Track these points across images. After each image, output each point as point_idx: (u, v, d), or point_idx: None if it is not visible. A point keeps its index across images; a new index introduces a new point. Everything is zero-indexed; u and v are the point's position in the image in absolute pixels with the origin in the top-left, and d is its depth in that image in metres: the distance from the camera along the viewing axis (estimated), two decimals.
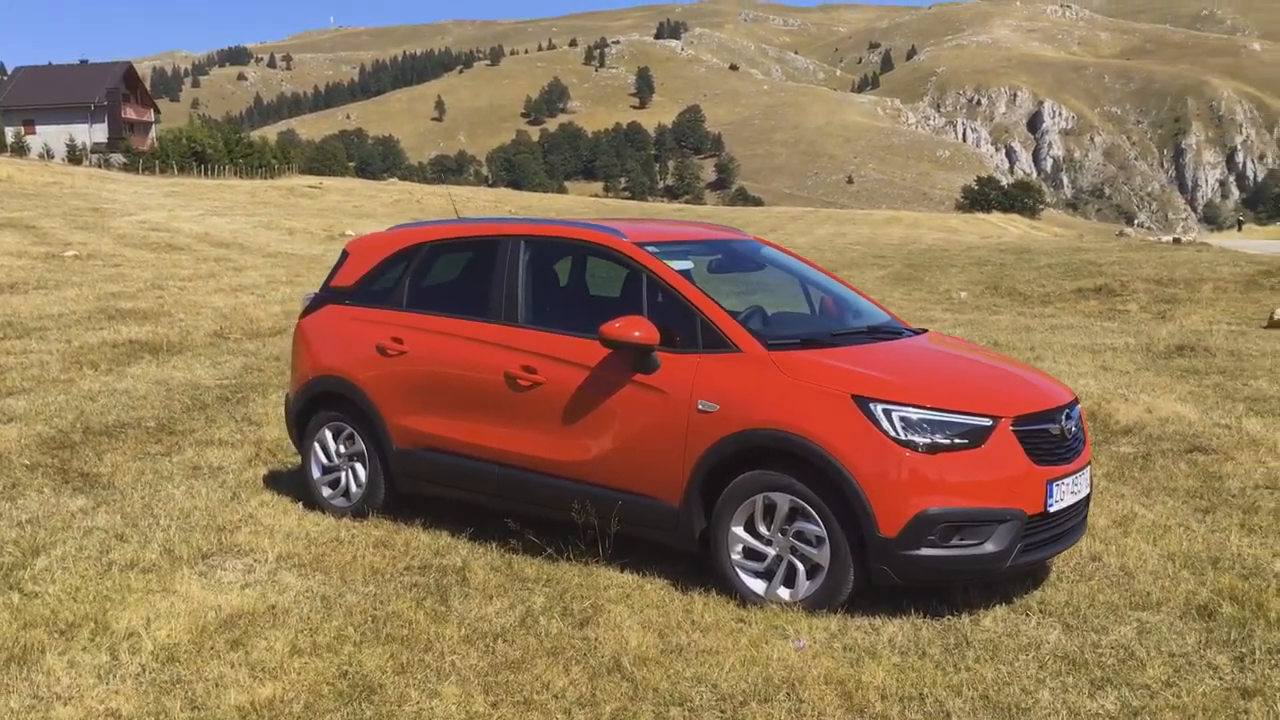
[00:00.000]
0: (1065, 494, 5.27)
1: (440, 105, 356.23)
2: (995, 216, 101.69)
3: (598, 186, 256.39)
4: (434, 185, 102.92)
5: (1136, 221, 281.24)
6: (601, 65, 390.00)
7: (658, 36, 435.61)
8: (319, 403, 7.02)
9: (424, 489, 6.63)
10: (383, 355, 6.65)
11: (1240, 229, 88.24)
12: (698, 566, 5.68)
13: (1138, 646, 4.70)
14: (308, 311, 7.27)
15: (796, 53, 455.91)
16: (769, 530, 5.27)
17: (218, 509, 6.90)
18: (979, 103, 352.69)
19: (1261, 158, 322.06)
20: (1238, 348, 14.80)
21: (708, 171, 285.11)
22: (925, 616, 5.11)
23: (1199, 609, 5.12)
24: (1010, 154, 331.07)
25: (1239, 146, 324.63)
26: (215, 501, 7.08)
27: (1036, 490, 5.12)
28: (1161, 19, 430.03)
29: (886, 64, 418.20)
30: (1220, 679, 4.38)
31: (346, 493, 6.92)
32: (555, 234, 6.50)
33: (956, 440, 4.99)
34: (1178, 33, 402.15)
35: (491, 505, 6.39)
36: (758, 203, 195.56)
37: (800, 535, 5.19)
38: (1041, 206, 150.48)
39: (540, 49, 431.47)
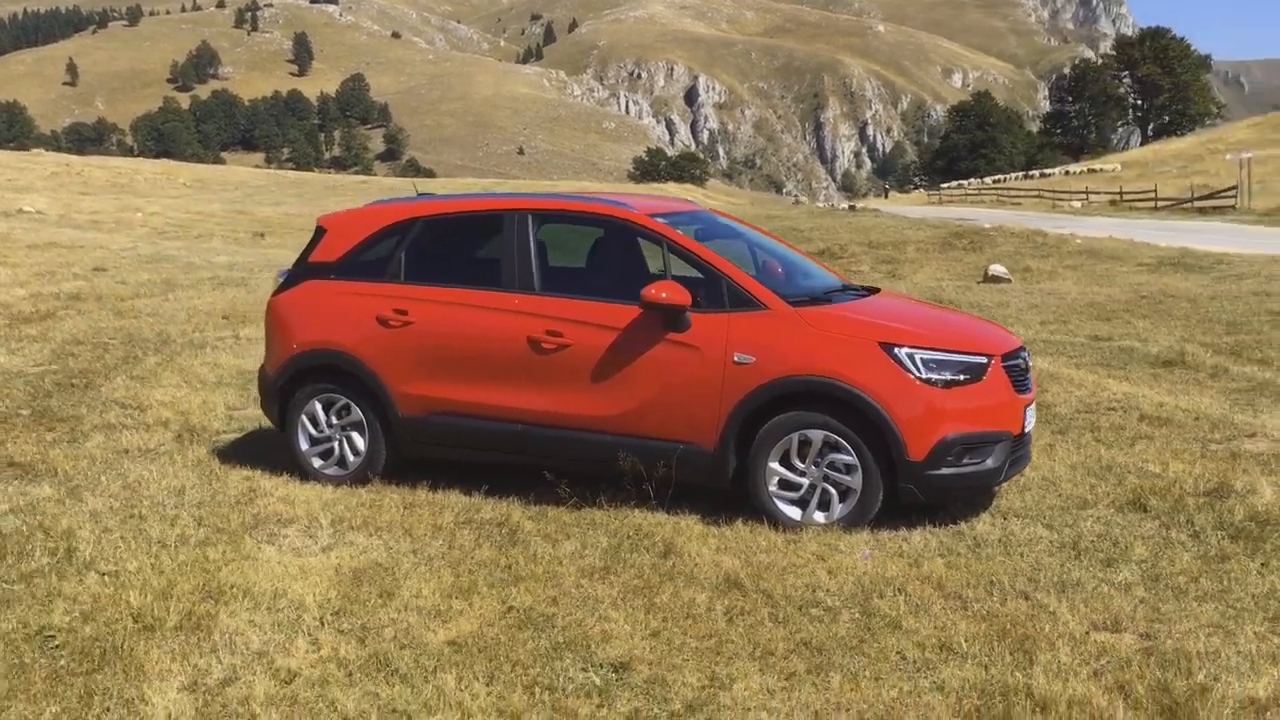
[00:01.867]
0: (1029, 418, 6.47)
1: (73, 69, 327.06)
2: (672, 186, 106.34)
3: (259, 157, 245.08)
4: (93, 157, 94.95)
5: (785, 190, 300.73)
6: (255, 29, 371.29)
7: (314, 1, 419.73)
8: (306, 376, 7.19)
9: (433, 452, 6.99)
10: (384, 326, 6.93)
11: (887, 196, 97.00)
12: (710, 505, 6.43)
13: (1114, 534, 5.93)
14: (283, 288, 7.39)
15: (459, 22, 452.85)
16: (803, 463, 6.12)
17: (209, 484, 6.96)
18: (639, 76, 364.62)
19: (889, 131, 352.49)
20: (975, 300, 17.09)
21: (376, 142, 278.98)
22: (932, 526, 6.15)
23: (1130, 504, 6.43)
24: (670, 126, 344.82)
25: (869, 120, 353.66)
26: (199, 478, 7.11)
27: (1018, 415, 6.28)
28: (798, 0, 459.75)
29: (549, 36, 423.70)
30: (1191, 551, 5.66)
31: (341, 461, 7.15)
32: (564, 208, 7.02)
33: (964, 376, 6.04)
34: (813, 13, 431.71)
35: (507, 461, 6.87)
36: (430, 174, 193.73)
37: (832, 465, 6.07)
38: (706, 176, 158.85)
39: (184, 9, 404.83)
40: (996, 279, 19.69)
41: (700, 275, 6.41)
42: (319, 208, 45.53)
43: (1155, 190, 47.87)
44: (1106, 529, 6.01)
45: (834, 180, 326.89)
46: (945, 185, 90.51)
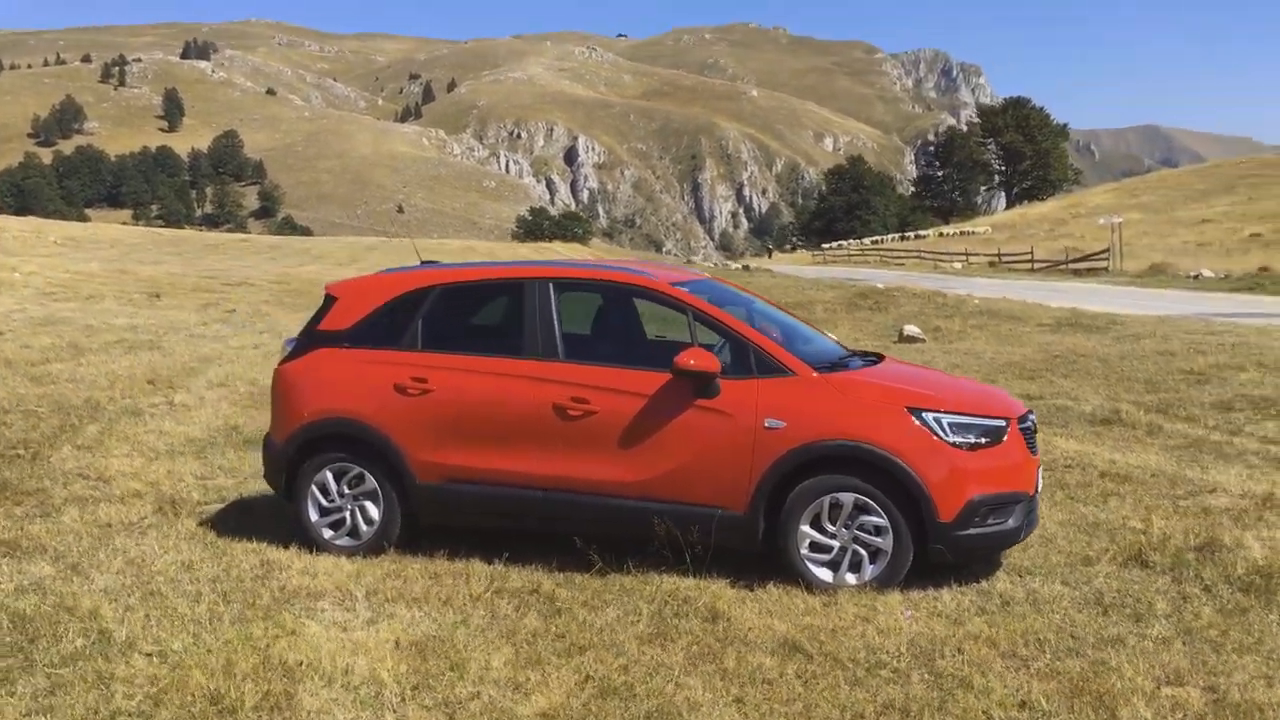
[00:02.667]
0: (1039, 479, 6.76)
1: None
2: (559, 245, 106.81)
3: (125, 214, 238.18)
4: None
5: (665, 249, 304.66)
6: (122, 84, 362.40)
7: (184, 56, 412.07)
8: (317, 445, 7.11)
9: (450, 520, 6.97)
10: (402, 395, 6.91)
11: (770, 255, 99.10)
12: (735, 568, 6.53)
13: (1132, 590, 6.22)
14: (291, 357, 7.31)
15: (336, 80, 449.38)
16: (834, 526, 6.29)
17: (217, 559, 6.81)
18: (519, 136, 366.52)
19: (764, 192, 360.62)
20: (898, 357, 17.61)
21: (250, 199, 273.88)
22: (957, 585, 6.35)
23: (1131, 559, 6.75)
24: (550, 185, 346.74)
25: (745, 182, 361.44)
26: (205, 552, 6.96)
27: (1032, 475, 6.56)
28: (675, 65, 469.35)
29: (428, 95, 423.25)
30: (1209, 605, 5.97)
31: (354, 531, 7.07)
32: (588, 276, 7.13)
33: (986, 439, 6.30)
34: (689, 78, 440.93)
35: (527, 527, 6.89)
36: (306, 232, 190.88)
37: (862, 527, 6.25)
38: (589, 235, 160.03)
39: (47, 63, 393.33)
40: (912, 339, 20.35)
41: (726, 342, 6.57)
42: (201, 267, 44.63)
43: (1031, 252, 50.02)
44: (1124, 585, 6.30)
45: (712, 240, 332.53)
46: (826, 245, 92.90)
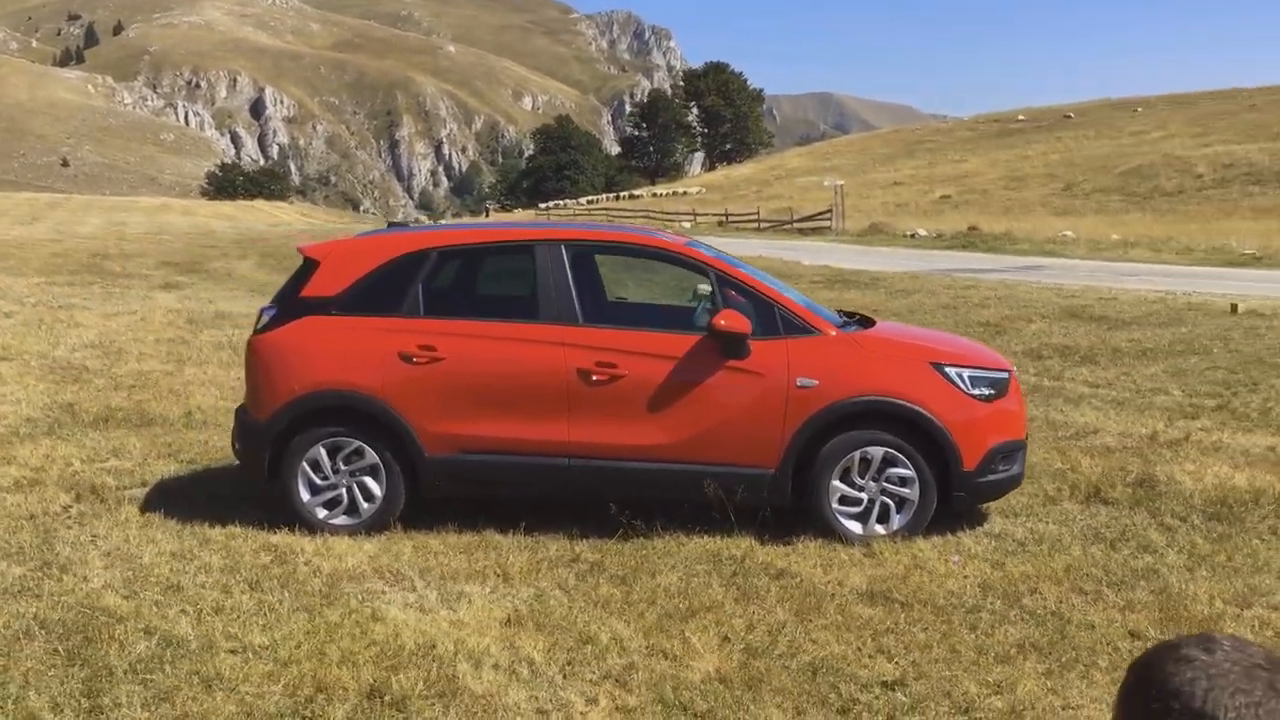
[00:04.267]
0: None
1: None
2: (261, 203, 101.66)
3: None
4: None
5: (362, 208, 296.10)
6: None
7: None
8: (308, 420, 6.64)
9: (461, 491, 6.71)
10: (408, 364, 6.57)
11: (488, 214, 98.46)
12: (752, 527, 6.66)
13: (1121, 524, 6.80)
14: (269, 326, 6.75)
15: None
16: (863, 479, 6.54)
17: (210, 549, 6.29)
18: (199, 85, 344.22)
19: (464, 150, 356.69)
20: None
21: None
22: (970, 531, 6.75)
23: (1091, 497, 7.39)
24: (236, 139, 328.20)
25: (444, 139, 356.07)
26: (192, 541, 6.42)
27: (1025, 423, 7.05)
28: (366, 15, 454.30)
29: (91, 38, 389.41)
30: (1197, 533, 6.63)
31: (351, 509, 6.68)
32: (599, 238, 6.97)
33: (994, 390, 6.72)
34: (383, 30, 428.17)
35: (547, 495, 6.74)
36: None
37: (889, 479, 6.53)
38: (289, 193, 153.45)
39: None
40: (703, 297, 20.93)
41: (751, 303, 6.65)
42: None
43: (758, 212, 52.33)
44: (1109, 521, 6.90)
45: (412, 198, 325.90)
46: (544, 205, 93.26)
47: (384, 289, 6.77)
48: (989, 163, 78.16)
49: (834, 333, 6.66)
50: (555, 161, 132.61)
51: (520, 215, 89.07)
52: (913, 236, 40.85)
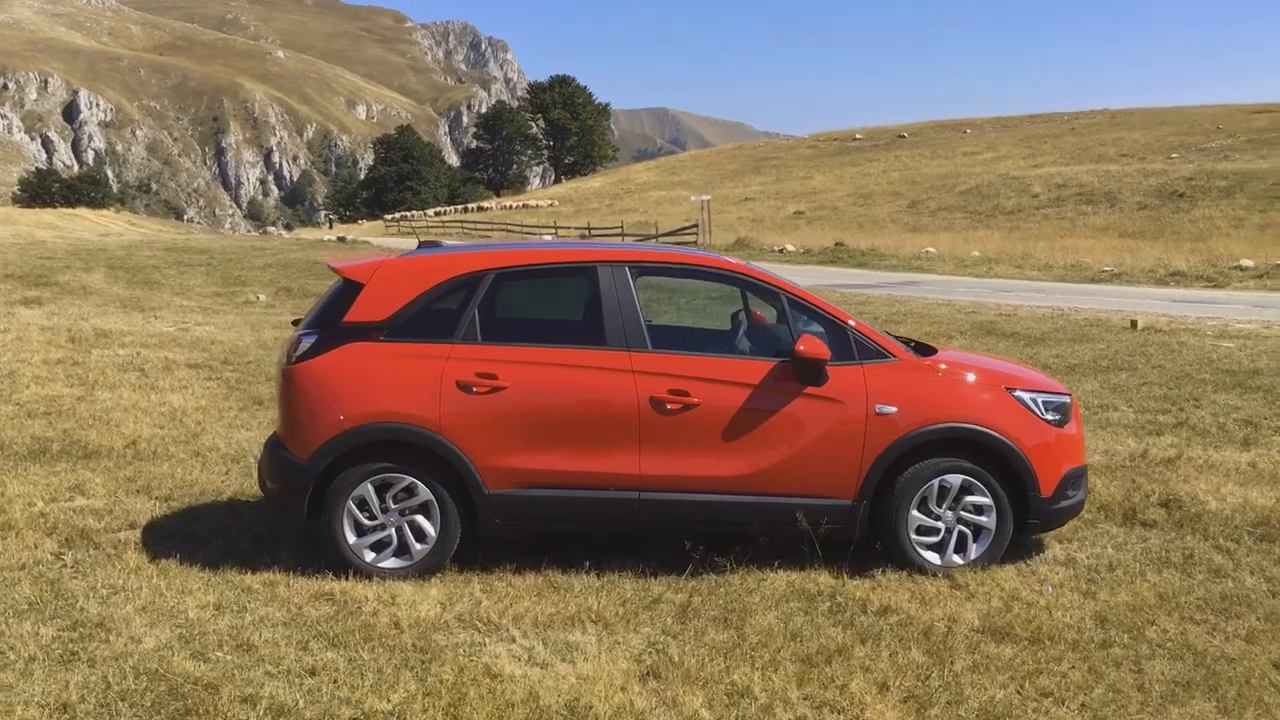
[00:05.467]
0: None
1: None
2: (85, 212, 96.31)
3: None
4: None
5: (187, 217, 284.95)
6: None
7: None
8: (356, 456, 6.09)
9: (521, 530, 6.27)
10: (467, 393, 6.09)
11: (333, 226, 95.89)
12: (826, 558, 6.42)
13: (1183, 547, 6.79)
14: (311, 354, 6.17)
15: None
16: (940, 508, 6.37)
17: (256, 599, 5.70)
18: (7, 87, 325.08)
19: (295, 159, 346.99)
20: None
21: None
22: (1033, 557, 6.66)
23: (1128, 519, 7.41)
24: (48, 144, 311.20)
25: (274, 148, 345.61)
26: (227, 593, 5.80)
27: (1084, 448, 7.00)
28: (190, 17, 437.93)
29: None
30: (1256, 554, 6.69)
31: (403, 551, 6.16)
32: (663, 260, 6.60)
33: (1062, 415, 6.65)
34: (208, 34, 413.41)
35: (614, 531, 6.37)
36: None
37: (965, 507, 6.38)
38: (112, 201, 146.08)
39: None
40: None
41: (824, 327, 6.42)
42: None
43: (621, 226, 52.36)
44: (1166, 544, 6.90)
45: (240, 208, 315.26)
46: (391, 216, 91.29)
47: (438, 313, 6.27)
48: (835, 180, 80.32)
49: (908, 357, 6.49)
50: (397, 172, 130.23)
51: (367, 226, 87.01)
52: (781, 251, 41.46)
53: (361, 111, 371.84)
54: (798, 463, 6.24)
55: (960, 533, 6.41)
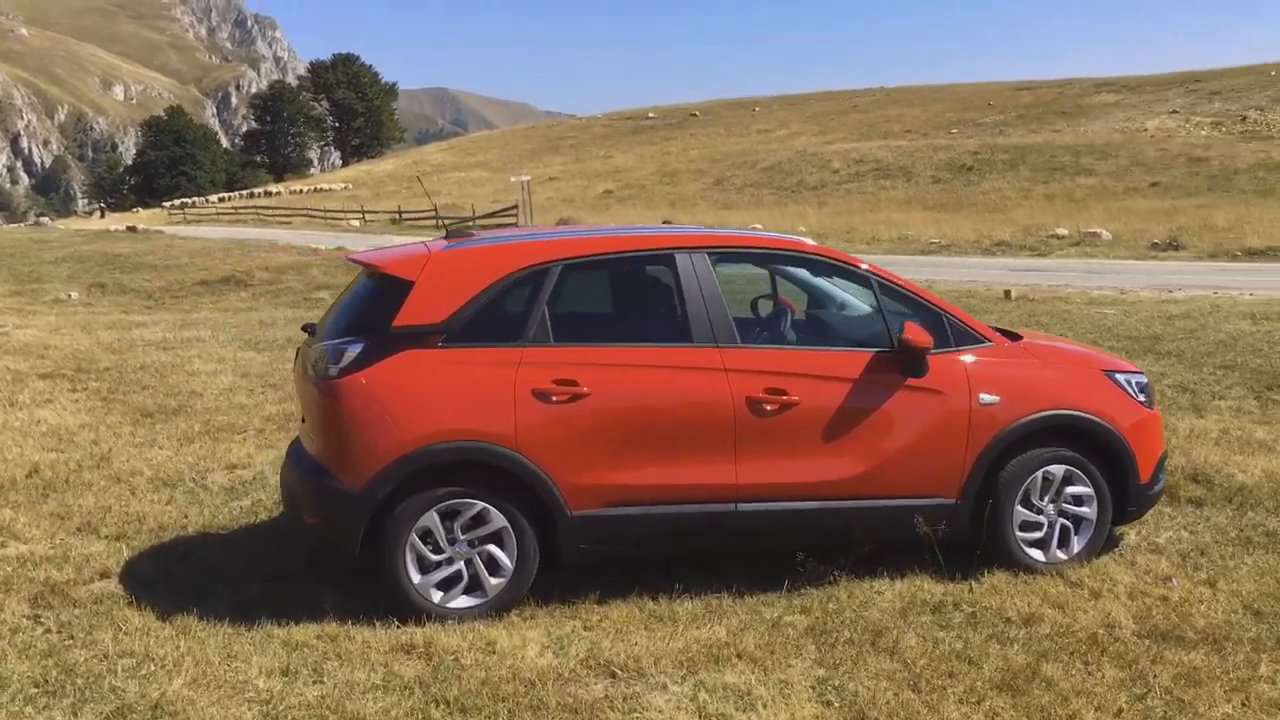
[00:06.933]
0: None
1: None
2: None
3: None
4: None
5: None
6: None
7: None
8: (420, 481, 5.18)
9: (606, 555, 5.51)
10: (544, 403, 5.27)
11: (104, 215, 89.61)
12: (922, 563, 5.92)
13: (1256, 525, 6.59)
14: (358, 365, 5.20)
15: None
16: (1042, 501, 5.95)
17: (325, 660, 4.76)
18: None
19: (46, 144, 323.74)
20: None
21: None
22: (1121, 546, 6.31)
23: (1173, 498, 7.21)
24: None
25: (22, 132, 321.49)
26: (285, 657, 4.82)
27: None
28: None
29: None
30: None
31: (475, 587, 5.31)
32: (745, 244, 5.90)
33: (1149, 396, 6.34)
34: None
35: (704, 550, 5.70)
36: None
37: (1066, 499, 5.98)
38: None
39: None
40: None
41: (917, 313, 5.88)
42: None
43: (435, 209, 50.71)
44: (1242, 524, 6.65)
45: None
46: (171, 203, 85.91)
47: (502, 312, 5.41)
48: (638, 159, 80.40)
49: (1003, 342, 6.04)
50: (169, 156, 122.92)
51: (148, 214, 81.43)
52: None
53: (119, 92, 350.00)
54: (902, 461, 5.71)
55: (1062, 526, 6.03)
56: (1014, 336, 6.30)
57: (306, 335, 6.18)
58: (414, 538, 5.22)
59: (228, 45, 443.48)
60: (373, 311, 5.41)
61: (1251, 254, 25.42)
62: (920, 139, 71.17)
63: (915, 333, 5.61)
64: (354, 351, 5.26)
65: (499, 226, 45.02)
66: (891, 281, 5.95)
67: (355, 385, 5.21)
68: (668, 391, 5.45)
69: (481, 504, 5.28)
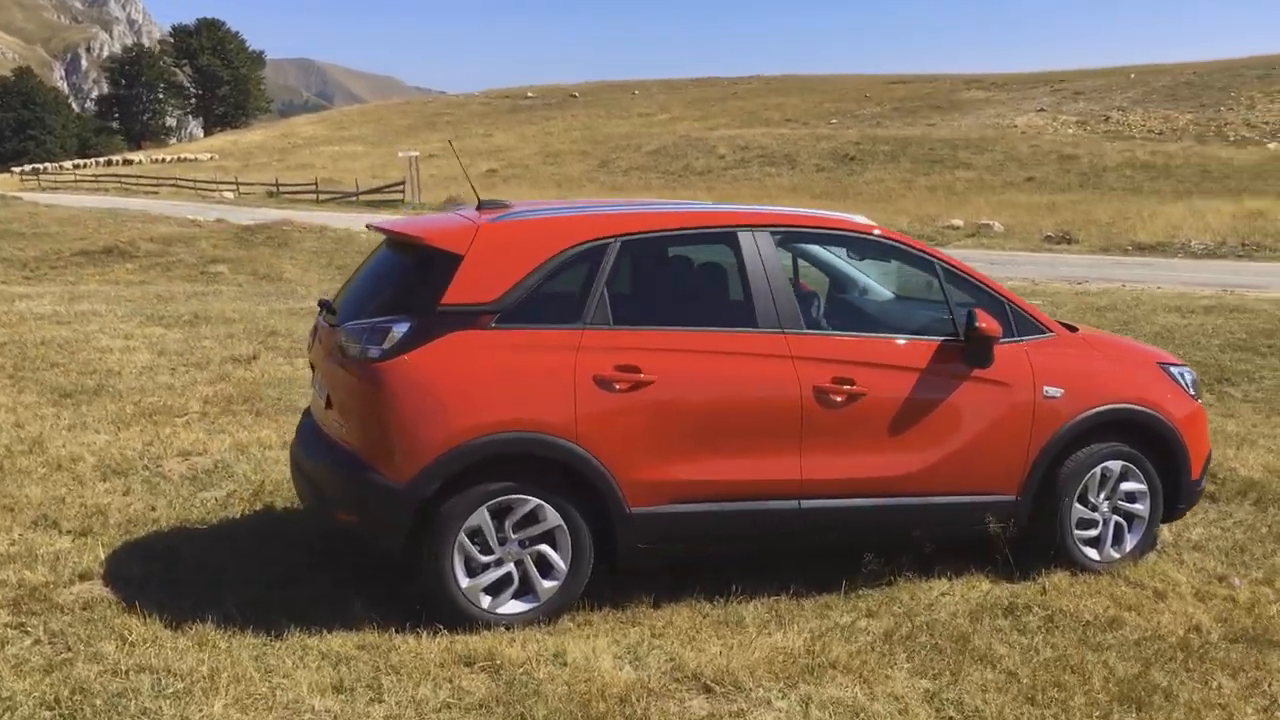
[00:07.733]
0: None
1: None
2: None
3: None
4: None
5: None
6: None
7: None
8: (472, 477, 4.66)
9: (664, 556, 5.07)
10: (606, 391, 4.80)
11: None
12: (980, 563, 5.67)
13: (1265, 518, 6.56)
14: (403, 348, 4.63)
15: None
16: (1097, 499, 5.73)
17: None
18: None
19: None
20: None
21: None
22: (1161, 543, 6.17)
23: None
24: None
25: None
26: (332, 671, 4.27)
27: None
28: None
29: None
30: None
31: (526, 591, 4.84)
32: (807, 224, 5.47)
33: (1198, 391, 6.18)
34: None
35: (763, 551, 5.31)
36: None
37: (1120, 496, 5.76)
38: None
39: None
40: None
41: (980, 300, 5.58)
42: None
43: (315, 183, 49.00)
44: (1261, 518, 6.60)
45: None
46: (21, 169, 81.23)
47: (558, 292, 4.90)
48: (519, 138, 79.30)
49: (1064, 333, 5.79)
50: (15, 119, 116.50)
51: None
52: None
53: None
54: (965, 456, 5.41)
55: (1115, 524, 5.82)
56: (1071, 329, 6.06)
57: (322, 312, 5.56)
58: (463, 537, 4.70)
59: (77, 4, 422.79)
60: (416, 286, 4.85)
61: (1141, 249, 26.21)
62: (802, 128, 71.89)
63: (987, 321, 5.32)
64: (400, 331, 4.69)
65: (384, 202, 43.77)
66: (955, 267, 5.64)
67: (401, 369, 4.65)
68: (734, 380, 5.03)
69: (536, 500, 4.78)
